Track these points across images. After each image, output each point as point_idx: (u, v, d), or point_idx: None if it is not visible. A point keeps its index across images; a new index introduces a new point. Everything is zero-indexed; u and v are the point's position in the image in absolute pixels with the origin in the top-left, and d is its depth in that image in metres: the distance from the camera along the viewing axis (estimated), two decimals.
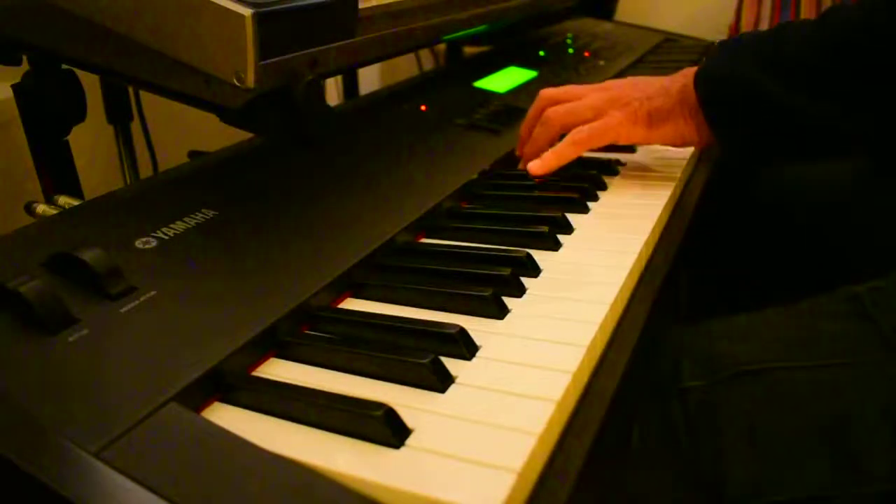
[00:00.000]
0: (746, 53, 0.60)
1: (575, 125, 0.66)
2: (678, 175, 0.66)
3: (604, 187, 0.65)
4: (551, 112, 0.67)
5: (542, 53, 1.06)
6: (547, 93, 0.70)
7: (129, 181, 0.89)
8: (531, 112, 0.70)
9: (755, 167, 0.81)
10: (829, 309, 0.51)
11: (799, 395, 0.46)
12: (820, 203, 0.76)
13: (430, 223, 0.57)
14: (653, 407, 0.50)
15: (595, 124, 0.63)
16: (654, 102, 0.63)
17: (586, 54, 1.08)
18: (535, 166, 0.63)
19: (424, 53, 1.40)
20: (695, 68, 0.63)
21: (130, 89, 0.85)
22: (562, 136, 0.67)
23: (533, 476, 0.33)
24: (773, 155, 0.61)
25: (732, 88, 0.59)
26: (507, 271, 0.47)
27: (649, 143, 0.66)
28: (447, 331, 0.41)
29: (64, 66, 0.59)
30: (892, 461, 0.42)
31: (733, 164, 0.73)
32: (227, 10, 0.45)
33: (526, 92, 0.88)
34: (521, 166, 0.70)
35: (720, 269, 0.82)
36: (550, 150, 0.63)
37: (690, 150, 0.71)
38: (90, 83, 0.63)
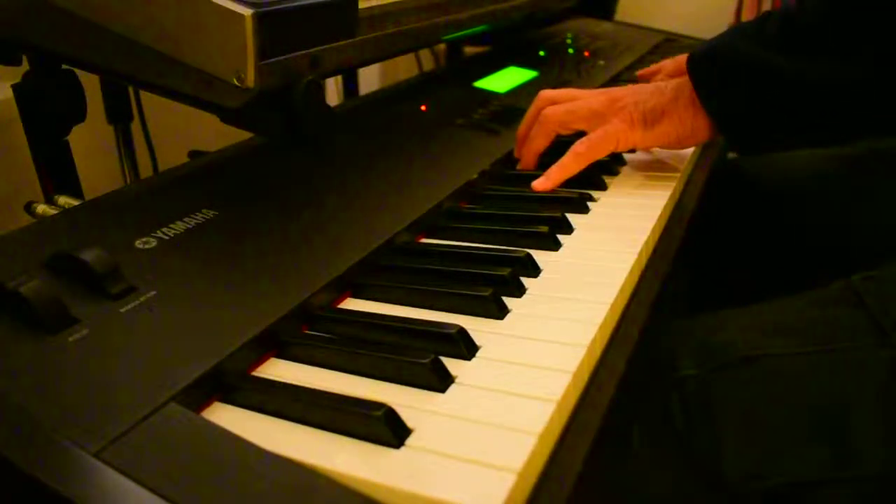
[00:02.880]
0: (732, 34, 0.61)
1: (572, 125, 0.66)
2: (678, 175, 0.66)
3: (604, 187, 0.65)
4: (549, 111, 0.67)
5: (542, 53, 1.06)
6: (545, 94, 0.70)
7: (129, 181, 0.89)
8: (529, 112, 0.70)
9: (753, 154, 0.81)
10: (823, 297, 0.51)
11: (794, 382, 0.47)
12: (818, 199, 0.76)
13: (430, 223, 0.57)
14: (652, 405, 0.50)
15: (594, 135, 0.64)
16: (649, 103, 0.64)
17: (586, 54, 1.08)
18: (540, 183, 0.63)
19: (424, 53, 1.40)
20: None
21: (130, 89, 0.85)
22: (559, 140, 0.67)
23: (533, 476, 0.33)
24: (769, 131, 0.61)
25: (720, 61, 0.60)
26: (507, 271, 0.47)
27: (647, 146, 0.66)
28: (447, 331, 0.41)
29: (64, 66, 0.59)
30: (887, 445, 0.43)
31: (733, 149, 0.73)
32: (227, 10, 0.45)
33: (526, 92, 0.88)
34: (519, 167, 0.70)
35: (719, 267, 0.82)
36: (553, 166, 0.63)
37: (690, 149, 0.71)
38: (90, 83, 0.63)
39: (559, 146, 0.67)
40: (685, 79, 0.62)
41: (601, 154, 0.64)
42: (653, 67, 0.93)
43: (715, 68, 0.60)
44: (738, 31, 0.62)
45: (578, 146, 0.64)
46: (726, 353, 0.49)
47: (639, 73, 0.95)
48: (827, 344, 0.48)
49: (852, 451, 0.43)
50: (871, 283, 0.50)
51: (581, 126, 0.66)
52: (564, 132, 0.68)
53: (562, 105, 0.67)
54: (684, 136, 0.64)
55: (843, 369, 0.46)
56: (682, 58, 0.91)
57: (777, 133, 0.61)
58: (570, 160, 0.63)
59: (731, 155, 0.88)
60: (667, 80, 0.69)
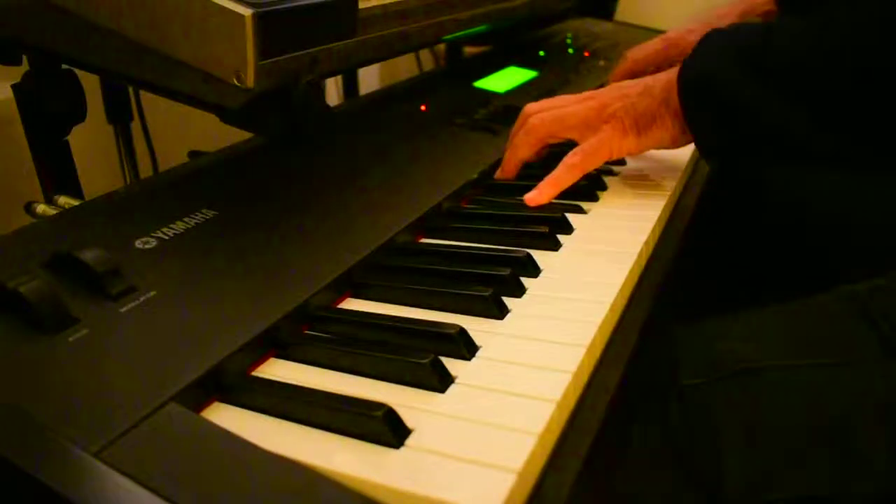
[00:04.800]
0: (731, 54, 0.55)
1: (561, 134, 0.64)
2: (677, 176, 0.66)
3: (604, 187, 0.65)
4: (536, 120, 0.64)
5: (542, 53, 1.06)
6: (530, 106, 0.67)
7: (129, 181, 0.89)
8: (515, 126, 0.67)
9: (737, 170, 0.79)
10: (828, 308, 0.51)
11: (797, 395, 0.46)
12: (820, 202, 0.76)
13: (430, 223, 0.57)
14: (652, 406, 0.50)
15: (586, 145, 0.61)
16: (639, 107, 0.61)
17: (586, 54, 1.08)
18: (532, 197, 0.59)
19: (424, 53, 1.40)
20: (678, 68, 0.60)
21: (130, 89, 0.85)
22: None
23: (533, 476, 0.33)
24: (754, 162, 0.60)
25: (715, 92, 0.55)
26: (507, 271, 0.47)
27: (642, 152, 0.64)
28: (447, 331, 0.41)
29: (64, 66, 0.59)
30: (890, 461, 0.42)
31: (713, 167, 0.71)
32: (227, 10, 0.45)
33: (526, 92, 0.88)
34: (497, 175, 0.67)
35: (720, 269, 0.82)
36: (546, 179, 0.60)
37: (690, 150, 0.71)
38: (90, 83, 0.63)
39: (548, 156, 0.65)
40: (674, 79, 0.59)
41: (595, 164, 0.62)
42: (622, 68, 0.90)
43: (703, 94, 0.56)
44: (735, 46, 0.55)
45: (571, 158, 0.61)
46: (729, 363, 0.49)
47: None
48: (831, 357, 0.47)
49: (855, 467, 0.43)
50: (878, 294, 0.49)
51: (570, 135, 0.64)
52: (552, 142, 0.65)
53: (549, 113, 0.64)
54: (677, 139, 0.61)
55: (847, 384, 0.46)
56: (644, 53, 0.88)
57: (757, 162, 0.59)
58: (563, 172, 0.60)
59: None
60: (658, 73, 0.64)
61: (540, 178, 0.61)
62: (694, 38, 0.86)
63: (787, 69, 0.52)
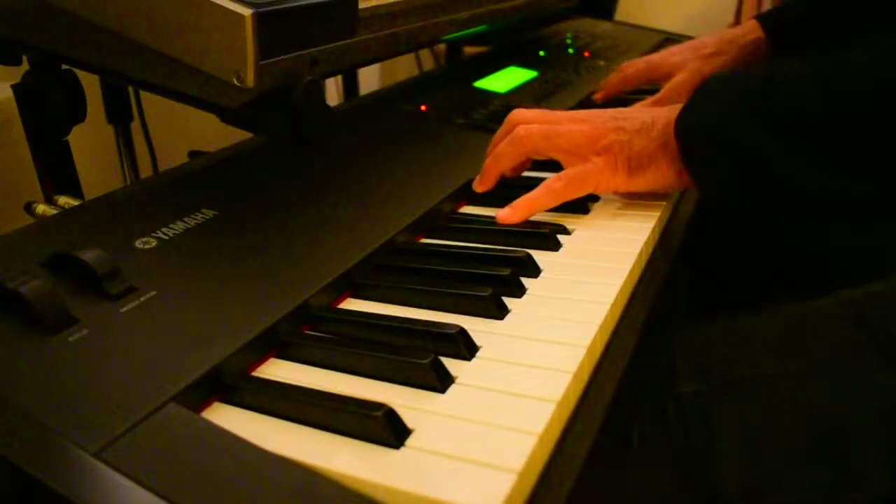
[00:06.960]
0: (732, 100, 0.53)
1: (547, 152, 0.60)
2: None
3: None
4: (524, 131, 0.60)
5: (542, 53, 1.06)
6: (519, 114, 0.63)
7: (129, 181, 0.89)
8: (500, 132, 0.63)
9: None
10: (826, 314, 0.50)
11: (795, 402, 0.46)
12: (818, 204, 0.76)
13: (430, 223, 0.57)
14: (652, 407, 0.50)
15: (572, 172, 0.58)
16: (635, 146, 0.57)
17: (586, 54, 1.08)
18: (505, 215, 0.56)
19: (424, 53, 1.40)
20: (678, 106, 0.57)
21: (130, 89, 0.85)
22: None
23: (533, 476, 0.33)
24: (760, 213, 0.59)
25: (718, 143, 0.53)
26: (506, 271, 0.47)
27: (629, 191, 0.60)
28: (447, 331, 0.41)
29: (64, 66, 0.59)
30: (889, 468, 0.42)
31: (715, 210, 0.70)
32: (227, 10, 0.45)
33: (526, 92, 0.88)
34: (476, 185, 0.62)
35: (719, 269, 0.82)
36: (523, 198, 0.58)
37: None
38: (90, 83, 0.63)
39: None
40: (672, 122, 0.56)
41: (577, 195, 0.58)
42: (605, 88, 0.90)
43: (705, 145, 0.54)
44: (735, 95, 0.54)
45: (554, 182, 0.58)
46: (726, 370, 0.48)
47: (596, 97, 0.90)
48: (828, 365, 0.47)
49: (853, 473, 0.43)
50: (875, 299, 0.49)
51: (557, 156, 0.60)
52: (537, 157, 0.62)
53: (539, 127, 0.60)
54: (670, 185, 0.59)
55: (844, 392, 0.45)
56: (629, 72, 0.88)
57: (763, 212, 0.58)
58: (542, 194, 0.57)
59: None
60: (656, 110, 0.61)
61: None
62: (675, 60, 0.88)
63: (793, 115, 0.51)
